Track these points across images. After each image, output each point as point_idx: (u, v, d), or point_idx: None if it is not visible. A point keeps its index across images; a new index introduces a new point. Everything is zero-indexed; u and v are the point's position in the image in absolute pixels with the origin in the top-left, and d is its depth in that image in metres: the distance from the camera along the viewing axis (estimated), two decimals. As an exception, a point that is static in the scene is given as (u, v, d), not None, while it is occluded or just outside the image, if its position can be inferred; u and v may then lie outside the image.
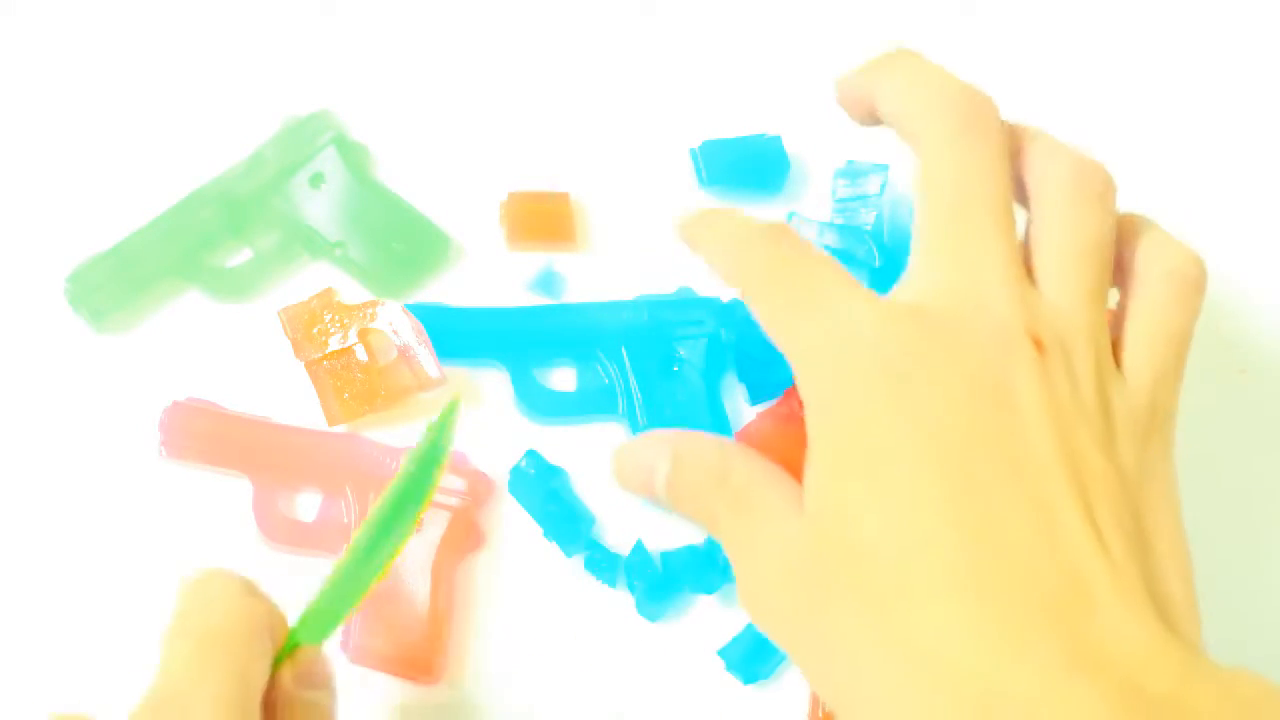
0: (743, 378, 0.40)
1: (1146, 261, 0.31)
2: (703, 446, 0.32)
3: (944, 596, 0.26)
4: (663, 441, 0.32)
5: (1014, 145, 0.32)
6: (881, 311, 0.29)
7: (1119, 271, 0.31)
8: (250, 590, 0.31)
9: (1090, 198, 0.31)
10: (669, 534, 0.39)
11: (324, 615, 0.31)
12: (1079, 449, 0.27)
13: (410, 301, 0.41)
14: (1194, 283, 0.31)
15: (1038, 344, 0.28)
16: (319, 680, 0.31)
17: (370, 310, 0.40)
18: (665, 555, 0.38)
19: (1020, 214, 0.31)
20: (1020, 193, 0.32)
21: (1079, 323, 0.29)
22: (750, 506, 0.30)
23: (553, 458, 0.39)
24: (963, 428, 0.27)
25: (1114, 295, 0.32)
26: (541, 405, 0.40)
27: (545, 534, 0.38)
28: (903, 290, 0.30)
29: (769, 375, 0.39)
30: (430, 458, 0.32)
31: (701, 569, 0.38)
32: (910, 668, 0.25)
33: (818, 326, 0.29)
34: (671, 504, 0.32)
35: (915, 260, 0.30)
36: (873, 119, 0.33)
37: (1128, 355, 0.30)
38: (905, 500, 0.27)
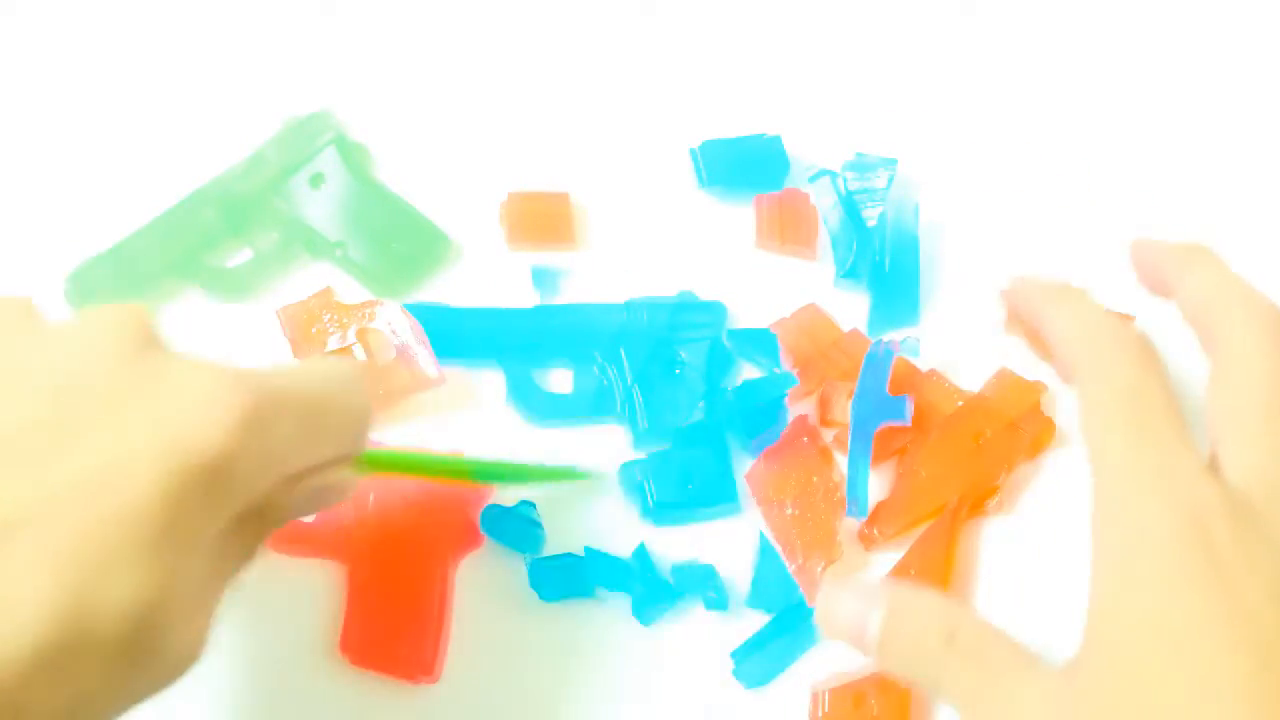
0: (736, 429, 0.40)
1: None
2: (922, 602, 0.32)
3: None
4: (875, 593, 0.32)
5: None
6: (1217, 489, 0.29)
7: None
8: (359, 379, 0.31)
9: None
10: (671, 542, 0.39)
11: (392, 460, 0.33)
12: None
13: (410, 301, 0.41)
14: None
15: None
16: (327, 499, 0.32)
17: (369, 310, 0.40)
18: (676, 568, 0.38)
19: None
20: None
21: None
22: (990, 665, 0.30)
23: (551, 459, 0.39)
24: (1275, 621, 0.27)
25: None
26: (537, 407, 0.40)
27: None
28: (1225, 470, 0.30)
29: (759, 425, 0.39)
30: (538, 474, 0.38)
31: (711, 586, 0.38)
32: None
33: (1151, 478, 0.30)
34: (882, 659, 0.32)
35: (1232, 448, 0.31)
36: (1163, 294, 0.35)
37: None
38: (1212, 680, 0.27)
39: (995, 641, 0.30)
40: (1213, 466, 0.30)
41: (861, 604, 0.32)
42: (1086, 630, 0.29)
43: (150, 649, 0.25)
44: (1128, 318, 0.34)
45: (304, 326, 0.40)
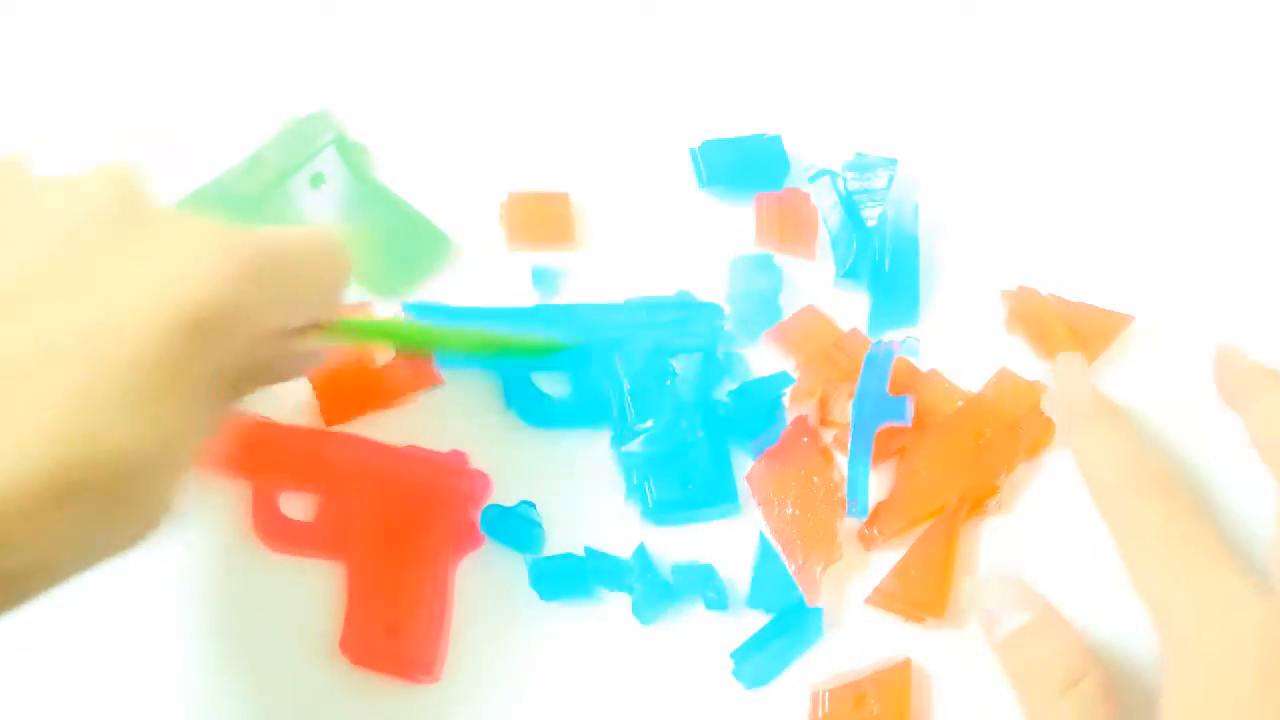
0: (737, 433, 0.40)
1: None
2: (1066, 637, 0.33)
3: None
4: (1030, 600, 0.34)
5: None
6: (1268, 610, 0.30)
7: None
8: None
9: None
10: (672, 542, 0.39)
11: (363, 329, 0.35)
12: None
13: (410, 301, 0.41)
14: None
15: None
16: (303, 364, 0.33)
17: (368, 310, 0.40)
18: (676, 568, 0.38)
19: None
20: None
21: None
22: None
23: (548, 461, 0.39)
24: None
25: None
26: (535, 410, 0.40)
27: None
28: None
29: (758, 425, 0.39)
30: (507, 345, 0.39)
31: (711, 586, 0.38)
32: None
33: (1203, 607, 0.30)
34: (1001, 658, 0.33)
35: None
36: (1233, 409, 0.37)
37: None
38: None
39: (1107, 710, 0.31)
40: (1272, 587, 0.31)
41: (1011, 601, 0.34)
42: None
43: (139, 494, 0.26)
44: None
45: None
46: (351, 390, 0.39)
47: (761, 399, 0.39)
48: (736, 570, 0.38)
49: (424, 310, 0.40)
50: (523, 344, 0.40)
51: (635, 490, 0.39)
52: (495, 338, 0.40)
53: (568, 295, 0.42)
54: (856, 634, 0.37)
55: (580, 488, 0.39)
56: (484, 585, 0.38)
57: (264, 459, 0.38)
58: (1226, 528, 0.38)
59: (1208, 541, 0.32)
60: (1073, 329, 0.40)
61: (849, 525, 0.38)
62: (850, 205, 0.42)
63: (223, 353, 0.27)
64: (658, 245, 0.43)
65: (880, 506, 0.38)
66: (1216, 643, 0.30)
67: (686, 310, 0.41)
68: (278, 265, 0.29)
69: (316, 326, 0.32)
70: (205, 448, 0.29)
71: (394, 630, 0.36)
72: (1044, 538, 0.38)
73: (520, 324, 0.40)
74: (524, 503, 0.38)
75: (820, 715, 0.36)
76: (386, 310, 0.40)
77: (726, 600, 0.38)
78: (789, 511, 0.38)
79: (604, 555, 0.38)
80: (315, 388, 0.39)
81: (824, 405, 0.40)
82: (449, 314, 0.40)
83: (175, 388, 0.26)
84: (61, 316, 0.25)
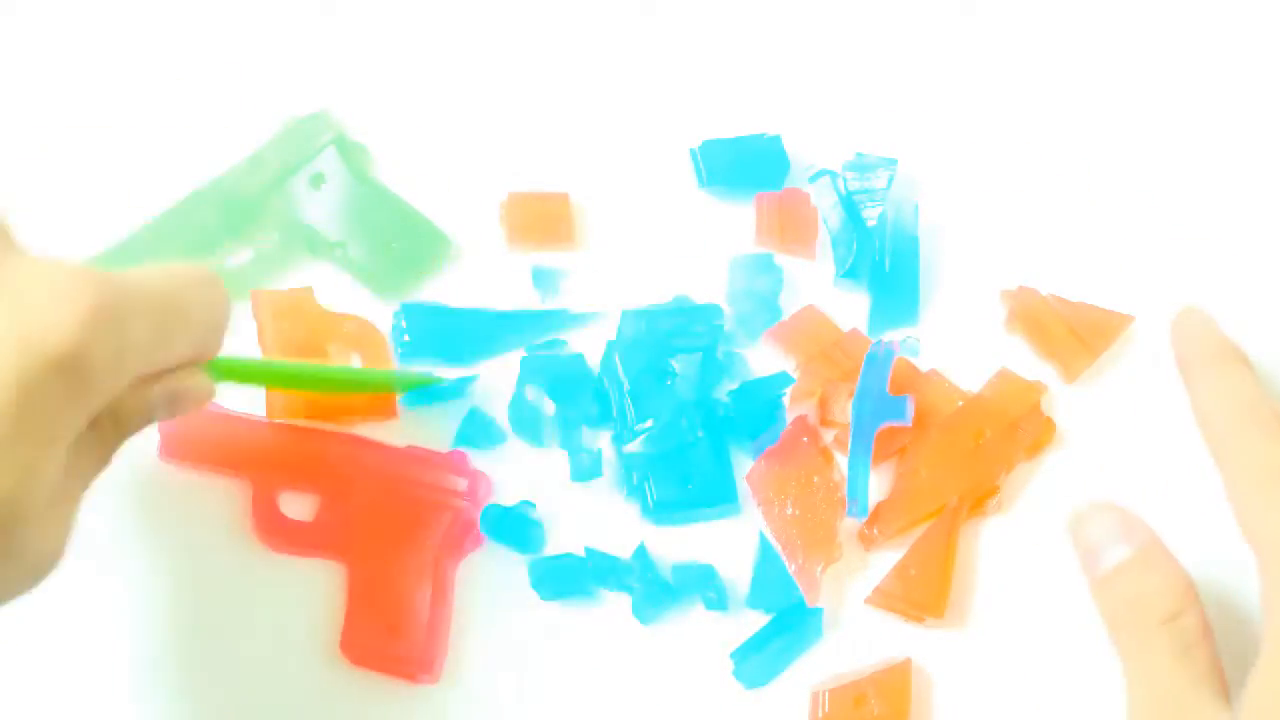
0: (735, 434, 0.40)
1: None
2: (1171, 569, 0.32)
3: None
4: (1135, 532, 0.33)
5: None
6: None
7: None
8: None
9: None
10: (671, 542, 0.39)
11: (245, 369, 0.35)
12: None
13: (410, 301, 0.41)
14: None
15: None
16: (183, 405, 0.32)
17: (348, 322, 0.40)
18: (676, 568, 0.38)
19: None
20: None
21: None
22: (1194, 659, 0.31)
23: (548, 461, 0.39)
24: None
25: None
26: (529, 421, 0.40)
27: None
28: None
29: (758, 425, 0.39)
30: (386, 381, 0.39)
31: (711, 586, 0.38)
32: None
33: None
34: (1098, 594, 0.33)
35: None
36: None
37: None
38: None
39: (1210, 644, 0.31)
40: None
41: (1115, 533, 0.33)
42: (1248, 701, 0.29)
43: (7, 545, 0.25)
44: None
45: (275, 318, 0.39)
46: (303, 396, 0.39)
47: (761, 399, 0.39)
48: (736, 570, 0.38)
49: (423, 311, 0.40)
50: (393, 381, 0.39)
51: (635, 490, 0.39)
52: (365, 377, 0.39)
53: (567, 295, 0.42)
54: (856, 634, 0.38)
55: (580, 488, 0.39)
56: (484, 585, 0.38)
57: (264, 459, 0.38)
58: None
59: None
60: (1073, 329, 0.40)
61: (849, 525, 0.38)
62: (850, 205, 0.42)
63: (88, 396, 0.26)
64: (658, 245, 0.43)
65: (880, 506, 0.38)
66: None
67: (686, 314, 0.41)
68: (143, 305, 0.28)
69: (194, 365, 0.31)
70: (81, 494, 0.28)
71: (394, 630, 0.36)
72: (1044, 538, 0.38)
73: (520, 326, 0.41)
74: (524, 503, 0.38)
75: (820, 715, 0.36)
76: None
77: (726, 600, 0.38)
78: (789, 511, 0.38)
79: (604, 555, 0.38)
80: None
81: (824, 405, 0.40)
82: (448, 315, 0.41)
83: (37, 434, 0.25)
84: None
